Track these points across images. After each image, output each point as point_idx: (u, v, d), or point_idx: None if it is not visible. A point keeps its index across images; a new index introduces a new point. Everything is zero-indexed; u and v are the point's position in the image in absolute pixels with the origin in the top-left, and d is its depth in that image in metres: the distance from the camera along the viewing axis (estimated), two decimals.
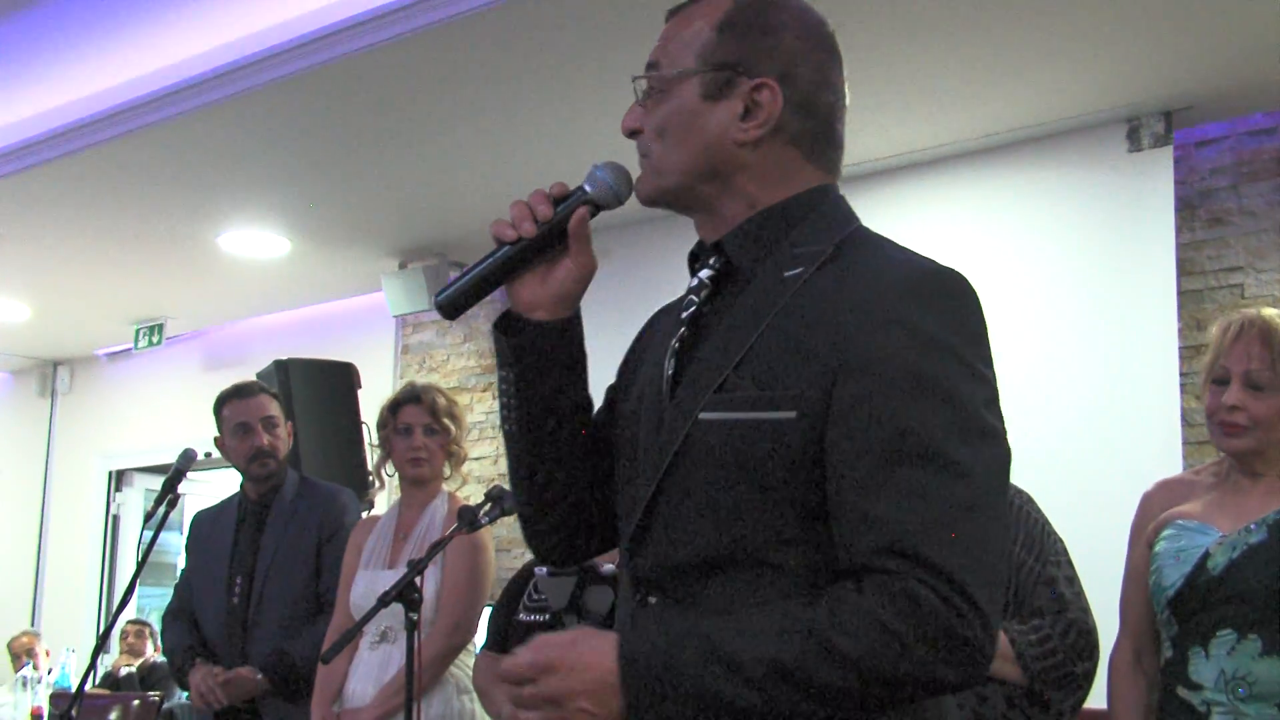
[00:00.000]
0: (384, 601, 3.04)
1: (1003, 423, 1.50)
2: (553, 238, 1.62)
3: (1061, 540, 2.97)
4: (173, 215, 6.60)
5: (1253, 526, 2.58)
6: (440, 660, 3.62)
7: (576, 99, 4.96)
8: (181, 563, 4.51)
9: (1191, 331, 4.90)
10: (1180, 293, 4.96)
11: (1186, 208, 5.12)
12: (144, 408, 9.13)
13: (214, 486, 7.45)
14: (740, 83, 1.60)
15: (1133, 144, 5.13)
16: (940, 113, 5.20)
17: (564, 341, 1.66)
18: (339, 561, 3.94)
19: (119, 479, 9.36)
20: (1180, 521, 2.70)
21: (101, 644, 4.31)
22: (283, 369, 5.89)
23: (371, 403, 4.76)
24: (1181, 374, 4.79)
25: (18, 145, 5.98)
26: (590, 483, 1.73)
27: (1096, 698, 2.93)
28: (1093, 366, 5.04)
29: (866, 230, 1.66)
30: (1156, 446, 4.71)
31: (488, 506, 3.23)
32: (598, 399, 1.78)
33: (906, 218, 5.64)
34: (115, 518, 9.31)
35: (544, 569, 3.39)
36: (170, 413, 8.80)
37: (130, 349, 8.83)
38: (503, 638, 3.57)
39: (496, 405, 1.78)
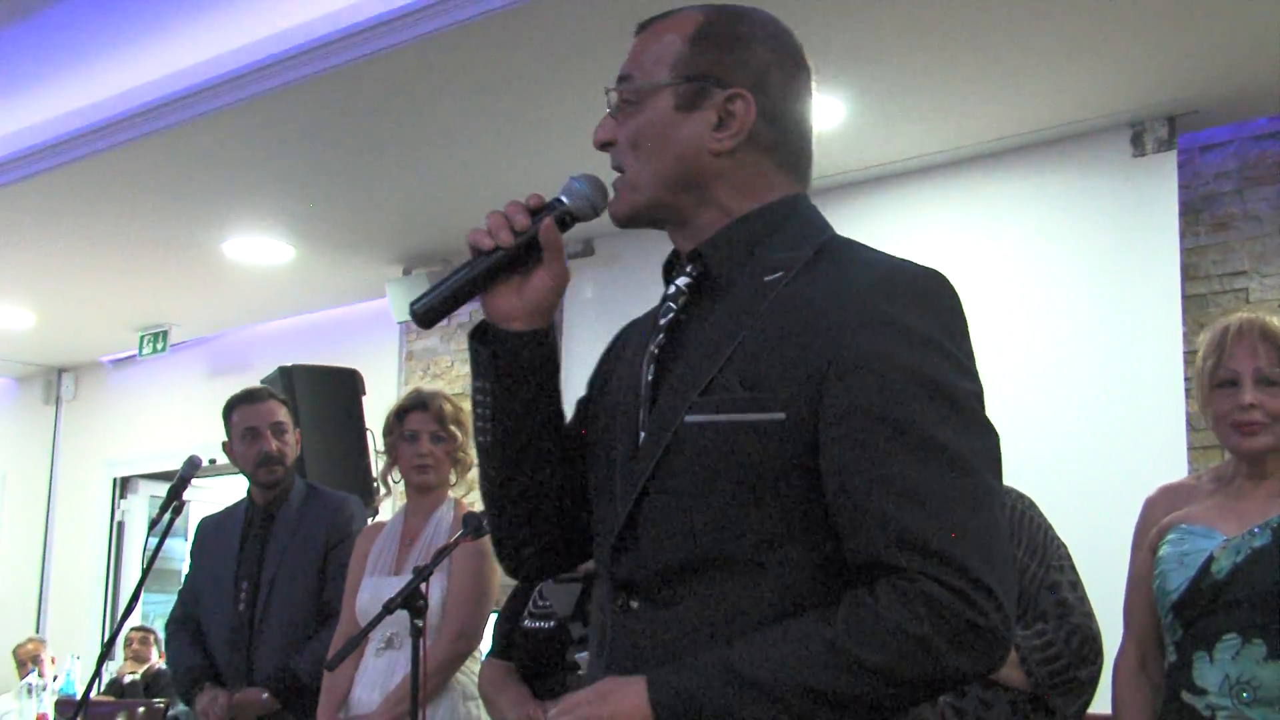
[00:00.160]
0: (389, 608, 3.04)
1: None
2: (529, 248, 1.62)
3: (1064, 545, 2.97)
4: (177, 222, 6.61)
5: (1256, 530, 2.58)
6: (446, 667, 3.61)
7: (581, 106, 4.95)
8: (186, 569, 4.51)
9: (1196, 336, 4.88)
10: (1184, 297, 4.96)
11: (1190, 212, 5.12)
12: (149, 414, 9.14)
13: (219, 493, 7.44)
14: (713, 93, 1.62)
15: (1137, 149, 5.13)
16: (944, 118, 5.20)
17: (540, 352, 1.66)
18: (344, 569, 3.93)
19: (124, 486, 9.37)
20: (1184, 526, 2.70)
21: (107, 651, 4.31)
22: (287, 375, 5.89)
23: (376, 409, 4.76)
24: (1186, 378, 4.79)
25: (23, 152, 5.99)
26: (563, 495, 1.72)
27: (1100, 702, 2.93)
28: (1097, 371, 5.04)
29: (842, 237, 1.66)
30: (1161, 451, 4.71)
31: None
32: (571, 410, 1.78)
33: (911, 223, 5.65)
34: (120, 524, 9.31)
35: None
36: (175, 419, 8.80)
37: (135, 356, 8.83)
38: (508, 644, 3.56)
39: None
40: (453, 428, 3.83)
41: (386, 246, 6.72)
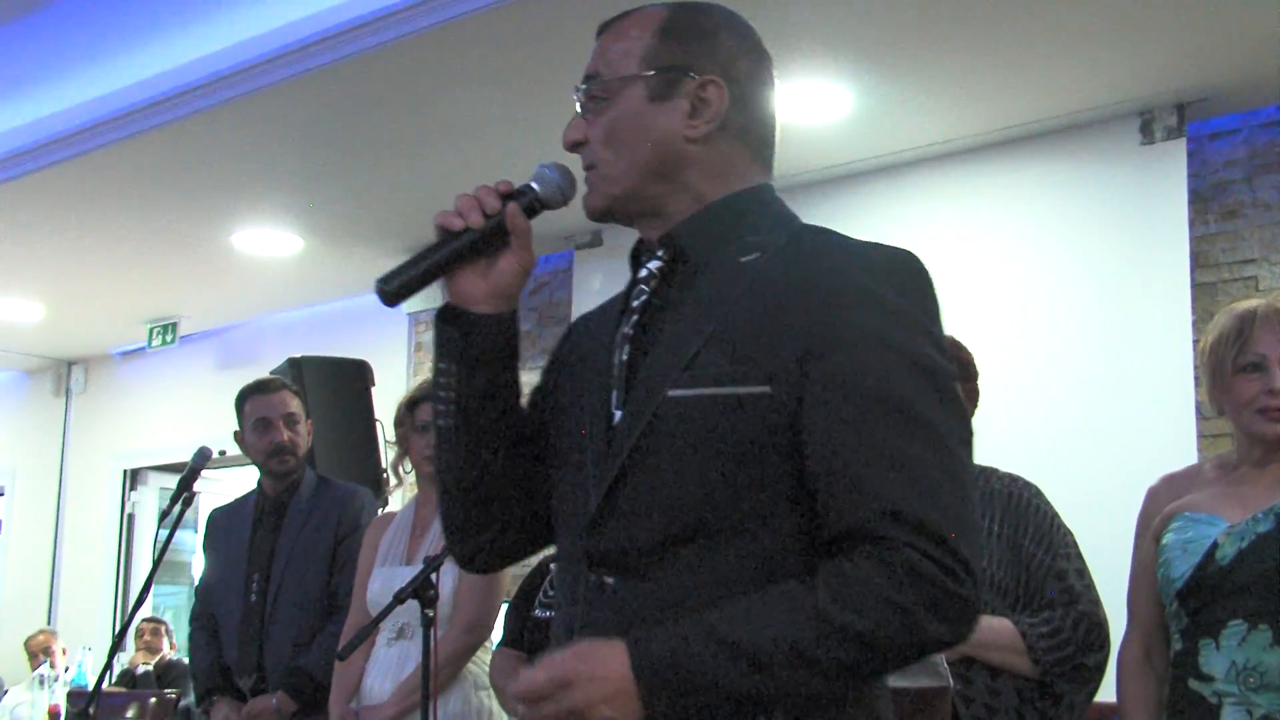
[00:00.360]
0: (400, 598, 3.05)
1: None
2: (496, 233, 1.64)
3: (1071, 533, 2.97)
4: (186, 215, 6.62)
5: (1260, 516, 2.58)
6: (458, 657, 3.62)
7: None
8: (197, 561, 4.53)
9: (1205, 324, 4.87)
10: (1194, 285, 4.95)
11: (1200, 200, 5.11)
12: (158, 407, 9.16)
13: (229, 485, 7.46)
14: (685, 82, 1.65)
15: (1145, 137, 5.12)
16: (952, 107, 5.19)
17: (504, 336, 1.67)
18: (354, 561, 3.94)
19: (134, 478, 9.38)
20: (1187, 513, 2.69)
21: (118, 642, 4.33)
22: (296, 367, 5.90)
23: (385, 400, 4.77)
24: (1196, 366, 4.77)
25: (31, 146, 6.00)
26: (521, 481, 1.73)
27: (1107, 690, 2.93)
28: (1106, 360, 5.03)
29: (814, 225, 1.69)
30: (1171, 439, 4.70)
31: None
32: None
33: (920, 213, 5.65)
34: (130, 516, 9.33)
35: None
36: (185, 411, 8.82)
37: (144, 348, 8.85)
38: (519, 634, 3.57)
39: None
40: None
41: (395, 237, 6.72)
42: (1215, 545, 2.59)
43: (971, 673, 2.79)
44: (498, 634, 3.76)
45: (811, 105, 5.18)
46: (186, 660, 6.63)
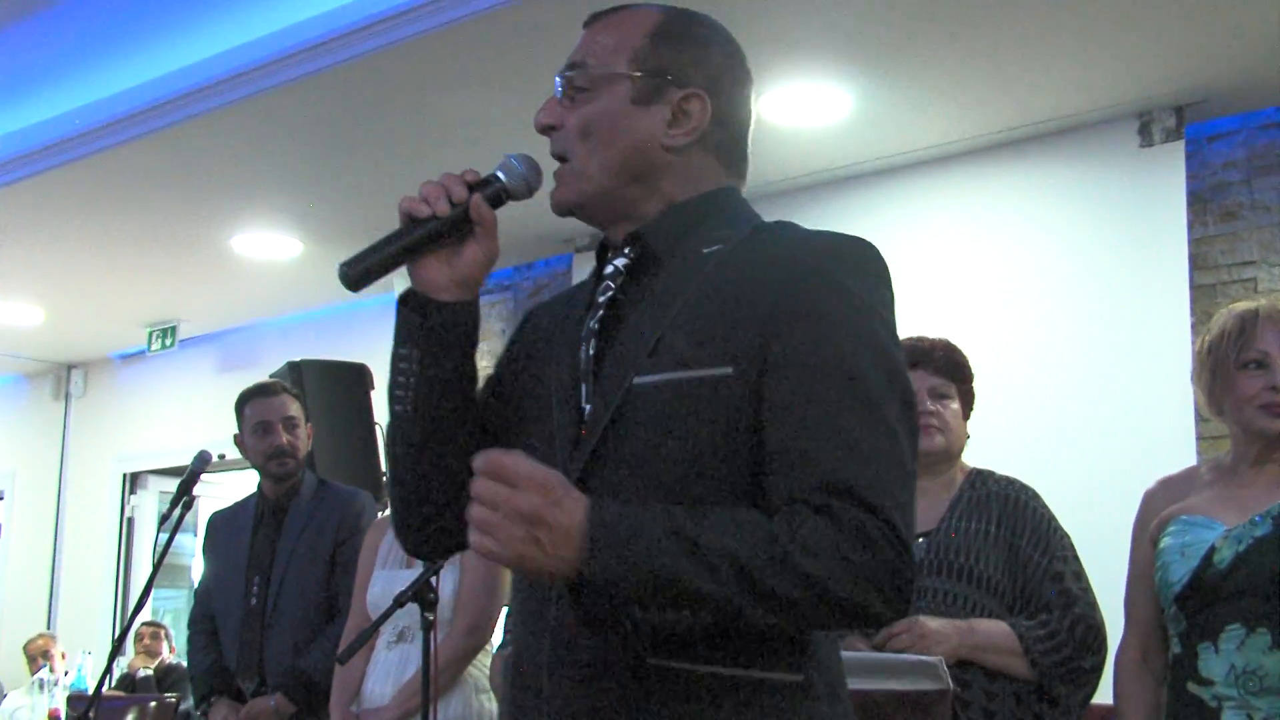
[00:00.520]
0: (400, 601, 3.05)
1: None
2: (462, 222, 1.65)
3: (1068, 536, 2.98)
4: (185, 218, 6.62)
5: (1258, 519, 2.58)
6: (458, 661, 3.62)
7: None
8: (197, 565, 4.54)
9: (1204, 326, 4.88)
10: (1193, 287, 4.95)
11: (1198, 202, 5.11)
12: (158, 410, 9.15)
13: (229, 488, 7.46)
14: (670, 91, 1.67)
15: (1144, 139, 5.12)
16: (951, 110, 5.19)
17: (466, 324, 1.68)
18: (353, 565, 3.94)
19: (133, 481, 9.38)
20: (1184, 517, 2.69)
21: (118, 646, 4.33)
22: (296, 370, 5.89)
23: (385, 403, 4.75)
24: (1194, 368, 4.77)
25: (31, 150, 6.00)
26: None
27: (1105, 693, 2.93)
28: (1105, 362, 5.03)
29: (776, 220, 1.71)
30: (1170, 441, 4.70)
31: None
32: None
33: (918, 215, 5.65)
34: (130, 520, 9.32)
35: None
36: (184, 415, 8.82)
37: (144, 351, 8.84)
38: None
39: None
40: None
41: None
42: (1213, 549, 2.59)
43: (968, 676, 2.79)
44: (498, 637, 3.76)
45: (811, 107, 5.18)
46: (186, 664, 6.63)
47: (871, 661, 2.50)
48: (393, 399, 1.70)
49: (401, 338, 1.69)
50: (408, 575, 3.54)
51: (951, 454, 3.09)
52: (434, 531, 1.76)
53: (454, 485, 1.70)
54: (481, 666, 3.72)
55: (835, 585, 1.41)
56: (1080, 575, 2.93)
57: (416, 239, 1.64)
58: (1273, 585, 2.50)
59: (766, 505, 1.49)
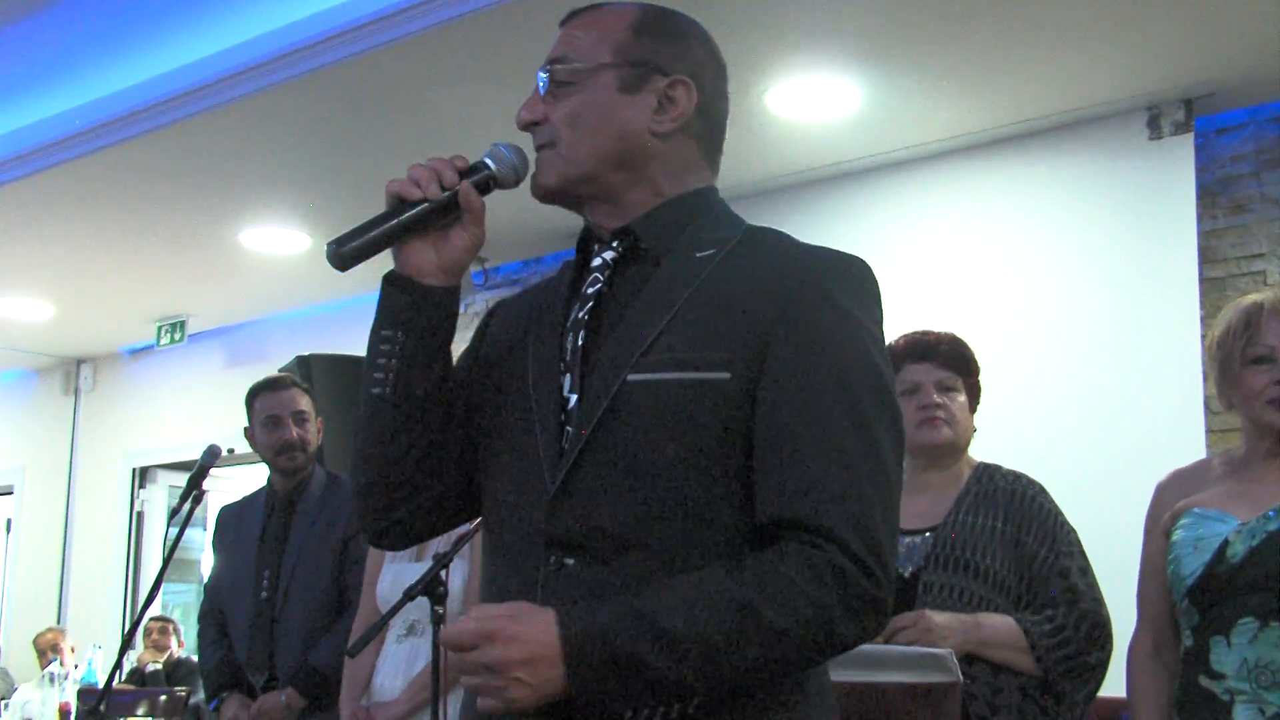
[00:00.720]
0: (410, 595, 3.04)
1: None
2: (450, 206, 1.66)
3: (1074, 531, 2.97)
4: (194, 213, 6.63)
5: (1271, 514, 2.57)
6: None
7: None
8: (206, 559, 4.54)
9: (1214, 320, 4.87)
10: (1202, 280, 4.94)
11: (1208, 195, 5.10)
12: (167, 405, 9.17)
13: (238, 483, 7.47)
14: (656, 79, 1.70)
15: (1153, 132, 5.12)
16: (960, 103, 5.19)
17: (448, 309, 1.69)
18: (363, 559, 3.95)
19: (143, 476, 9.39)
20: (1197, 510, 2.69)
21: (128, 640, 4.34)
22: (305, 364, 5.91)
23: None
24: (1204, 362, 4.77)
25: (40, 145, 6.01)
26: (440, 459, 1.73)
27: (1109, 687, 2.93)
28: (1114, 355, 5.03)
29: (763, 226, 1.74)
30: (1179, 435, 4.70)
31: None
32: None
33: (926, 209, 5.65)
34: (140, 514, 9.34)
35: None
36: (193, 409, 8.83)
37: (153, 346, 8.85)
38: None
39: None
40: None
41: None
42: (1226, 543, 2.59)
43: (974, 670, 2.79)
44: None
45: (820, 101, 5.18)
46: (195, 658, 6.64)
47: (881, 654, 2.50)
48: (370, 381, 1.70)
49: (384, 319, 1.70)
50: (417, 569, 3.53)
51: (958, 447, 3.09)
52: (398, 518, 1.76)
53: (422, 472, 1.72)
54: None
55: (806, 633, 1.46)
56: (1086, 570, 2.92)
57: (406, 221, 1.65)
58: None
59: (753, 513, 1.54)
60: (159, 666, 7.83)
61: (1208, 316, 4.87)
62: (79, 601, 9.49)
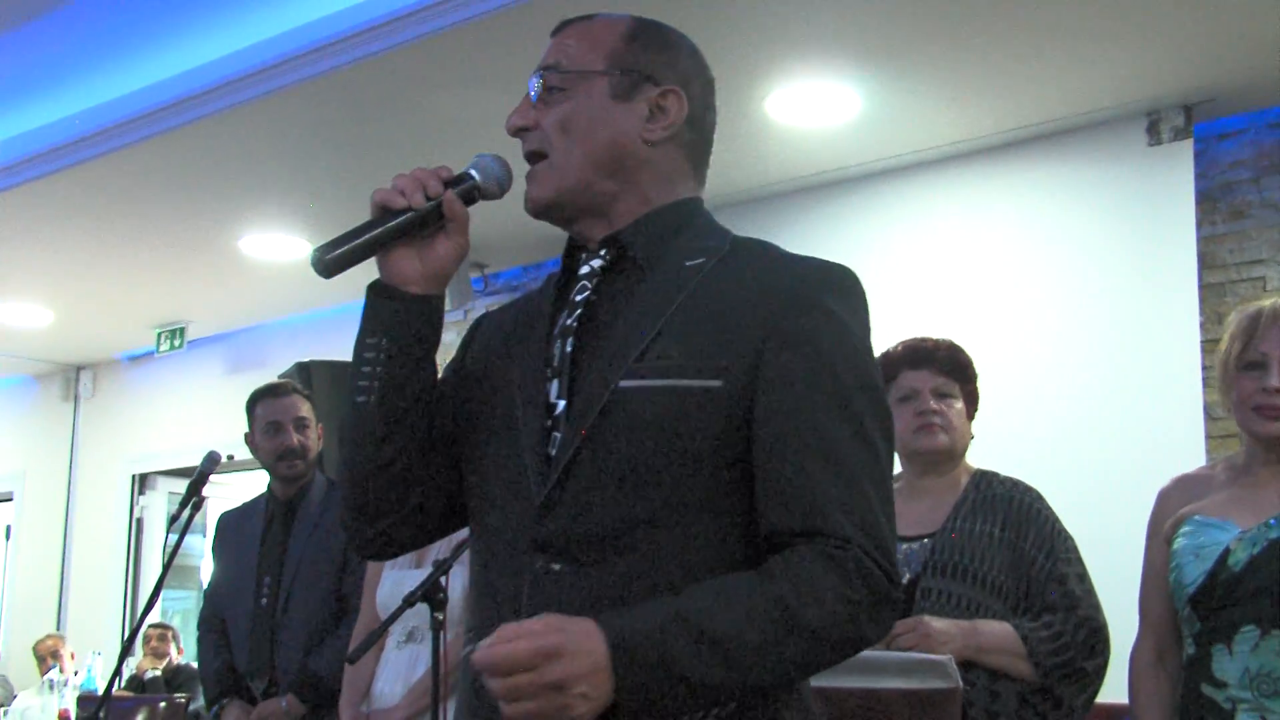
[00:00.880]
0: (409, 601, 3.04)
1: None
2: (434, 216, 1.67)
3: (1072, 538, 2.98)
4: (194, 219, 6.63)
5: (1273, 521, 2.57)
6: None
7: None
8: (206, 566, 4.54)
9: (1213, 325, 4.88)
10: (1202, 286, 4.95)
11: (1207, 201, 5.11)
12: (167, 411, 9.17)
13: (238, 489, 7.47)
14: (647, 88, 1.71)
15: (1152, 138, 5.12)
16: (960, 109, 5.19)
17: (433, 319, 1.70)
18: (362, 566, 3.95)
19: (142, 482, 9.39)
20: (1198, 517, 2.68)
21: (128, 647, 4.34)
22: (305, 370, 5.91)
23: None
24: (1204, 367, 4.77)
25: (40, 151, 6.01)
26: (425, 468, 1.73)
27: (1107, 693, 2.93)
28: (1114, 361, 5.03)
29: (751, 237, 1.75)
30: (1179, 441, 4.70)
31: None
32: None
33: (926, 214, 5.65)
34: (139, 521, 9.33)
35: None
36: (193, 416, 8.83)
37: (153, 352, 8.85)
38: None
39: None
40: None
41: None
42: (1228, 551, 2.58)
43: (972, 676, 2.79)
44: None
45: (819, 107, 5.18)
46: (195, 664, 6.64)
47: (880, 661, 2.50)
48: (356, 390, 1.71)
49: (370, 327, 1.70)
50: (417, 575, 3.54)
51: (955, 453, 3.09)
52: (382, 528, 1.76)
53: (407, 480, 1.72)
54: None
55: (837, 631, 1.46)
56: (1084, 577, 2.93)
57: (390, 229, 1.65)
58: None
59: (757, 523, 1.54)
60: (158, 673, 7.82)
61: (1207, 322, 4.88)
62: (78, 608, 9.48)
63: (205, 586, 4.56)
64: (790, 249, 1.71)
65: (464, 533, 3.24)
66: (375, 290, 1.70)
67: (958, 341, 3.19)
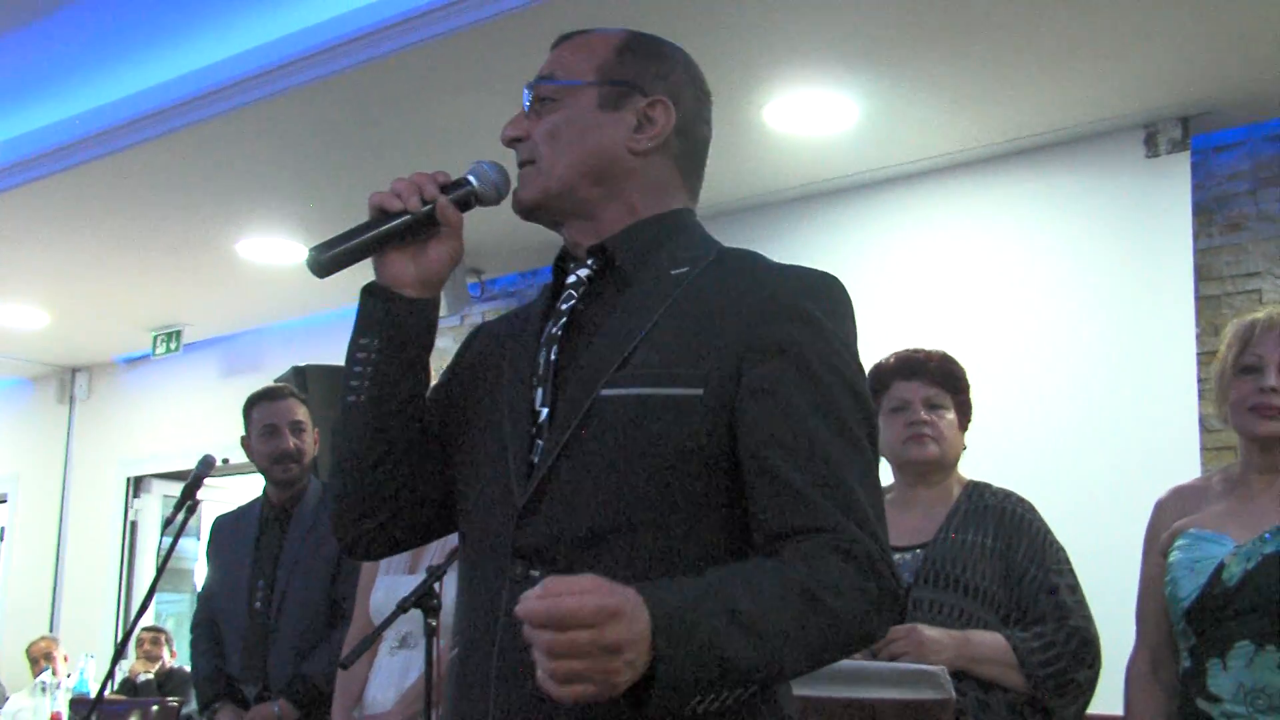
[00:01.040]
0: (403, 607, 3.04)
1: None
2: (429, 220, 1.69)
3: (1064, 550, 2.99)
4: (191, 222, 6.62)
5: (1267, 536, 2.57)
6: None
7: None
8: (199, 569, 4.54)
9: (1209, 337, 4.88)
10: (1198, 298, 4.95)
11: (1204, 213, 5.11)
12: (162, 414, 9.15)
13: (233, 493, 7.46)
14: (635, 98, 1.72)
15: (1150, 150, 5.12)
16: (957, 119, 5.20)
17: (427, 321, 1.73)
18: (356, 571, 3.94)
19: (137, 485, 9.38)
20: (1194, 531, 2.69)
21: (121, 650, 4.34)
22: (301, 375, 5.90)
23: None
24: (1199, 379, 4.78)
25: (36, 154, 6.01)
26: (414, 470, 1.75)
27: (1105, 704, 2.93)
28: (1110, 373, 5.03)
29: (737, 247, 1.76)
30: (1174, 453, 4.70)
31: None
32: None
33: (923, 224, 5.65)
34: (133, 524, 9.32)
35: None
36: (188, 419, 8.82)
37: (148, 355, 8.84)
38: None
39: None
40: None
41: None
42: (1222, 565, 2.59)
43: (963, 686, 2.79)
44: None
45: (817, 116, 5.18)
46: (188, 668, 6.63)
47: (873, 670, 2.50)
48: (347, 389, 1.73)
49: (363, 327, 1.72)
50: (411, 581, 3.53)
51: (946, 463, 3.10)
52: (370, 528, 1.77)
53: (395, 481, 1.74)
54: None
55: (854, 618, 1.46)
56: (1075, 588, 2.93)
57: (386, 231, 1.68)
58: None
59: (754, 529, 1.54)
60: (151, 676, 7.81)
61: (1203, 334, 4.88)
62: (72, 610, 9.47)
63: (199, 590, 4.56)
64: (787, 258, 1.71)
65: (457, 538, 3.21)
66: (369, 291, 1.72)
67: (954, 351, 3.19)
